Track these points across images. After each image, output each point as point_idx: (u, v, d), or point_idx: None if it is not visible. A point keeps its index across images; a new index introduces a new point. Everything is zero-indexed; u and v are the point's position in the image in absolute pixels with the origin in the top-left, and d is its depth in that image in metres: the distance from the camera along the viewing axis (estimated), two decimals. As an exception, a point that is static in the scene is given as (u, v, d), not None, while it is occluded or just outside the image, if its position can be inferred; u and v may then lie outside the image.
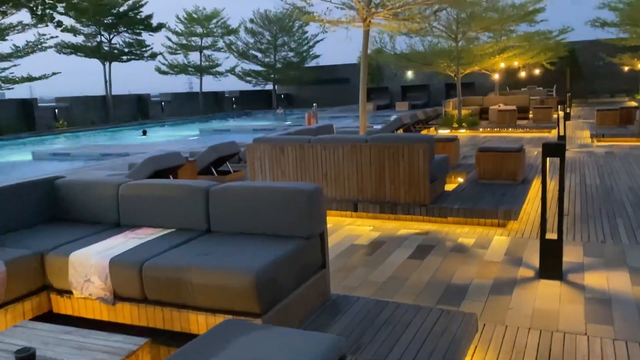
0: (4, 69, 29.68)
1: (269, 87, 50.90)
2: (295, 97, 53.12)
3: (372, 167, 6.86)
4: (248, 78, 49.97)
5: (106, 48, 36.50)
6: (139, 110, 38.49)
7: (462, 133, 17.59)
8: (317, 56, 50.74)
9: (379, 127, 17.00)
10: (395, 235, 6.21)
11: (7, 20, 28.92)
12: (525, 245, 5.59)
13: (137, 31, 37.48)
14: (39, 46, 29.26)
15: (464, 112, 18.73)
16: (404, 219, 6.83)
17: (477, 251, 5.50)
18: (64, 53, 36.04)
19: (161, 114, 39.64)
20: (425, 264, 5.16)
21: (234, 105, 48.02)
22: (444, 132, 17.96)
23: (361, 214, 7.03)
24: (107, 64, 36.25)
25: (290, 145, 7.29)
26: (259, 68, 49.60)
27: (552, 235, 4.68)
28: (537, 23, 24.70)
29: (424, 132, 18.03)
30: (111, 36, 36.55)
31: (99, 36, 36.26)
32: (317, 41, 50.06)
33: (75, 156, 17.50)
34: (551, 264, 4.66)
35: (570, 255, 5.21)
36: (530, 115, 19.67)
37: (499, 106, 18.81)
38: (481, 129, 17.65)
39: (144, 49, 37.68)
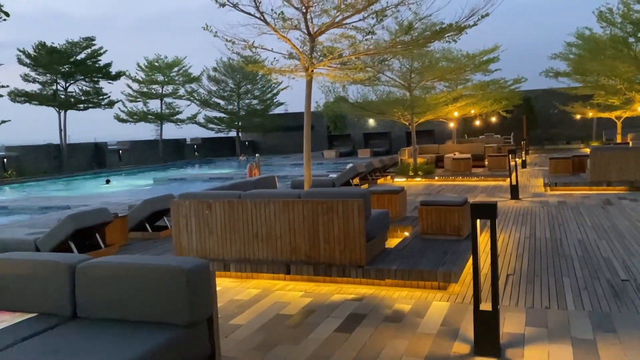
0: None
1: (233, 133, 50.56)
2: (261, 144, 52.85)
3: (305, 225, 6.35)
4: (211, 125, 49.55)
5: (62, 96, 35.69)
6: (96, 159, 37.45)
7: (418, 181, 17.37)
8: (281, 103, 50.91)
9: (334, 175, 16.64)
10: (328, 301, 5.65)
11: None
12: (464, 313, 5.09)
13: (95, 79, 36.86)
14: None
15: (420, 160, 18.58)
16: (340, 281, 6.29)
17: (412, 320, 4.98)
18: (18, 102, 35.09)
19: (118, 163, 38.64)
20: (353, 339, 4.59)
21: (196, 153, 47.36)
22: (400, 180, 17.72)
23: (295, 276, 6.46)
24: (62, 113, 35.35)
25: (219, 201, 6.73)
26: (222, 115, 49.33)
27: (486, 305, 4.20)
28: (492, 72, 25.26)
29: (381, 180, 17.76)
30: (67, 84, 35.82)
31: (54, 84, 35.49)
32: (282, 89, 50.33)
33: (12, 210, 16.49)
34: (487, 338, 4.16)
35: (512, 324, 4.73)
36: (486, 163, 19.68)
37: (454, 154, 18.76)
38: (437, 177, 17.46)
39: (102, 97, 37.00)
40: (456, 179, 17.09)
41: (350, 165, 17.12)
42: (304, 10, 8.58)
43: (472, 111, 24.92)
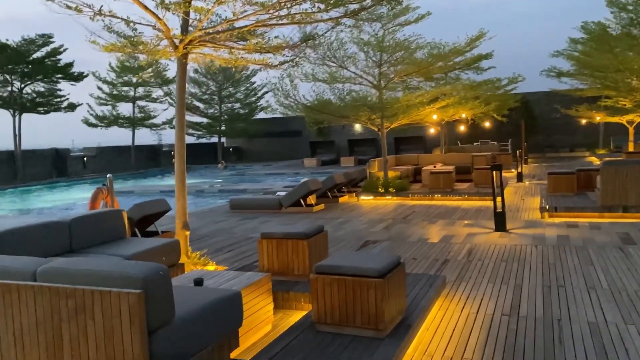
0: None
1: (216, 139, 47.47)
2: (246, 150, 49.79)
3: (40, 334, 3.16)
4: (191, 131, 46.50)
5: (18, 99, 32.64)
6: (56, 166, 34.36)
7: (388, 200, 14.14)
8: (265, 107, 47.71)
9: (282, 194, 13.43)
10: None
11: None
12: None
13: (55, 80, 33.82)
14: None
15: (392, 174, 15.36)
16: None
17: None
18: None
19: (82, 171, 35.54)
20: None
21: (173, 160, 44.15)
22: (366, 198, 14.50)
23: None
24: (17, 116, 32.30)
25: None
26: (202, 120, 46.29)
27: None
28: (485, 70, 22.04)
29: (344, 199, 14.56)
30: (23, 85, 32.77)
31: (9, 85, 32.45)
32: (266, 92, 47.22)
33: None
34: None
35: None
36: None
37: (434, 167, 15.53)
38: (410, 195, 14.23)
39: (59, 99, 33.94)
40: (434, 198, 13.86)
41: (304, 179, 13.93)
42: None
43: (464, 115, 21.72)
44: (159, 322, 3.02)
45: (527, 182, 17.41)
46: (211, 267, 6.43)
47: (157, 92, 43.62)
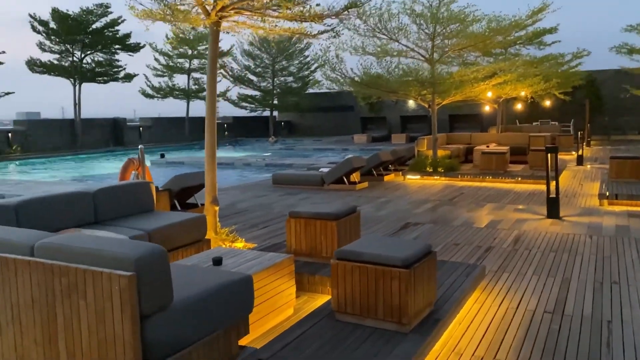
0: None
1: (268, 113, 47.56)
2: (297, 125, 49.76)
3: (36, 312, 3.02)
4: (243, 104, 46.76)
5: (79, 68, 33.60)
6: (113, 136, 35.37)
7: (436, 180, 13.60)
8: (315, 82, 47.25)
9: (325, 170, 13.13)
10: None
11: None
12: None
13: (114, 50, 34.57)
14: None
15: (442, 152, 14.74)
16: None
17: None
18: (36, 72, 33.27)
19: (138, 141, 36.38)
20: None
21: (226, 132, 44.68)
22: (413, 178, 14.00)
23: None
24: (77, 86, 33.32)
25: None
26: (255, 93, 46.41)
27: None
28: (548, 45, 20.76)
29: (390, 177, 14.13)
30: (83, 55, 33.67)
31: (71, 55, 33.40)
32: (318, 66, 46.67)
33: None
34: None
35: None
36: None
37: (487, 147, 14.77)
38: (460, 176, 13.61)
39: (117, 69, 34.70)
40: (484, 180, 13.20)
41: (350, 156, 13.58)
42: None
43: (522, 92, 20.60)
44: (154, 308, 2.80)
45: (588, 166, 16.37)
46: (240, 244, 6.24)
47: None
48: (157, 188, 8.44)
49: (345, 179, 12.51)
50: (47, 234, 3.23)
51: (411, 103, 37.64)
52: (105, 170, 23.56)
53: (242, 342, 3.66)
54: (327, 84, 13.95)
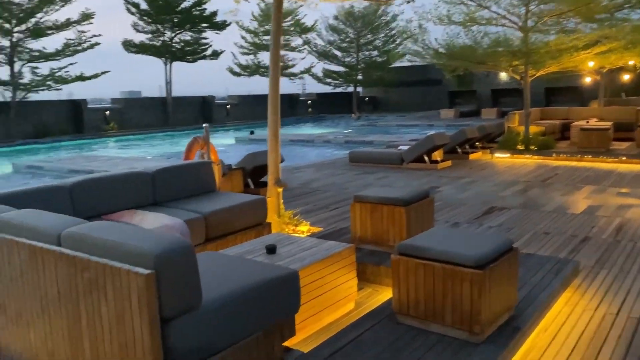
0: (60, 69, 28.72)
1: (352, 89, 46.95)
2: (382, 100, 48.84)
3: (62, 306, 2.81)
4: (328, 80, 46.45)
5: (171, 47, 34.70)
6: (202, 113, 36.39)
7: (527, 159, 12.51)
8: (403, 55, 45.81)
9: (404, 148, 12.46)
10: None
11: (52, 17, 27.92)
12: None
13: (201, 29, 35.32)
14: (82, 45, 28.04)
15: (535, 129, 13.55)
16: None
17: None
18: (131, 52, 34.76)
19: (225, 118, 37.25)
20: None
21: (310, 109, 44.66)
22: (502, 156, 12.99)
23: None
24: (168, 65, 34.47)
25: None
26: (339, 69, 45.88)
27: None
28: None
29: (476, 155, 13.23)
30: (174, 35, 34.68)
31: (162, 35, 34.54)
32: (405, 38, 45.19)
33: (46, 170, 14.95)
34: None
35: None
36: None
37: (586, 122, 13.36)
38: (554, 154, 12.41)
39: (204, 47, 35.46)
40: (583, 159, 11.95)
41: (432, 132, 12.82)
42: None
43: (631, 62, 18.53)
44: (178, 310, 2.48)
45: None
46: (304, 228, 5.88)
47: (296, 41, 43.88)
48: (230, 166, 8.31)
49: (426, 158, 11.81)
50: (78, 220, 3.01)
51: (503, 75, 35.46)
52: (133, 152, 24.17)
53: (290, 343, 3.30)
54: (408, 57, 13.15)
